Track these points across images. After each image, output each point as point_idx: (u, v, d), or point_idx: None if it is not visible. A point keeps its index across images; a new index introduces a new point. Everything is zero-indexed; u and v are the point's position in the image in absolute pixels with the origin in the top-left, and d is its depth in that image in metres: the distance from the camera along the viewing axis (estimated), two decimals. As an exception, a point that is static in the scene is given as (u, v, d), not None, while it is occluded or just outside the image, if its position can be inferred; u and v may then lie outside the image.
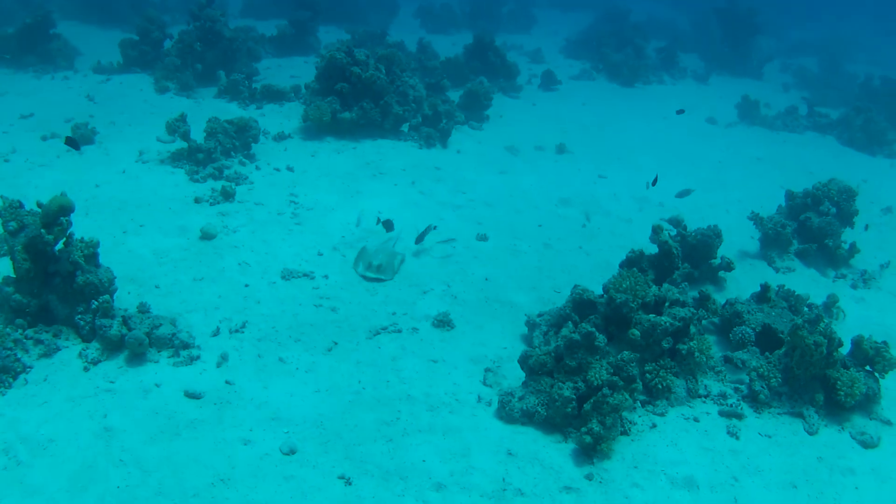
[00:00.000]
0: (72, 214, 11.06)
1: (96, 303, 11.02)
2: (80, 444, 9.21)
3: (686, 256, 14.55)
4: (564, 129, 24.01)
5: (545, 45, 37.01)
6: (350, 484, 8.94)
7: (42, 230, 10.78)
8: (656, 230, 13.52)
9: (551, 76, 29.73)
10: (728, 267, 14.61)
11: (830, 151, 26.36)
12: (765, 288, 13.17)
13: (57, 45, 25.50)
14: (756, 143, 25.85)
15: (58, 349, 10.88)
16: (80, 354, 10.77)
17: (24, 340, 10.76)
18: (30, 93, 22.42)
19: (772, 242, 16.53)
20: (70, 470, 8.81)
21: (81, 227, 11.73)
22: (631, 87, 31.87)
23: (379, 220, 15.06)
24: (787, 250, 16.51)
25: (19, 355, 10.49)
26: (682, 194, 17.34)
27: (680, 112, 22.97)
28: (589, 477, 9.39)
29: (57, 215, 10.87)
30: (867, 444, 10.59)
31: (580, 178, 20.06)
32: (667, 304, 11.41)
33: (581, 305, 11.61)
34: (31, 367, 10.47)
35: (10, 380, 10.16)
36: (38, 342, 10.83)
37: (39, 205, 10.92)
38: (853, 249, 16.43)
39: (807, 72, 37.73)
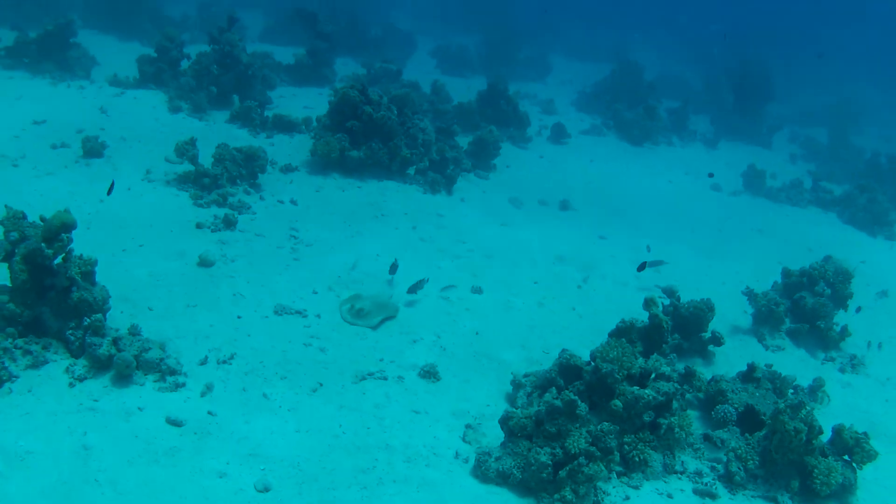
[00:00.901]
0: (73, 231, 11.18)
1: (88, 320, 11.14)
2: (58, 459, 9.28)
3: (677, 327, 14.63)
4: (570, 185, 24.14)
5: (558, 96, 37.23)
6: (321, 528, 9.01)
7: (42, 244, 10.91)
8: (648, 302, 13.59)
9: (561, 129, 29.87)
10: (718, 342, 14.70)
11: (831, 228, 26.42)
12: (751, 368, 13.24)
13: (76, 53, 25.71)
14: (758, 215, 25.94)
15: (46, 362, 10.95)
16: (67, 370, 10.85)
17: (13, 350, 10.86)
18: (45, 99, 22.57)
19: (764, 319, 16.58)
20: (45, 484, 8.88)
21: (82, 240, 11.78)
22: (640, 147, 31.97)
23: (394, 265, 15.21)
24: (778, 328, 16.55)
25: (6, 364, 10.57)
26: (654, 264, 17.38)
27: (710, 175, 23.16)
28: (557, 544, 9.43)
29: (58, 231, 11.00)
30: (839, 534, 10.63)
31: (580, 236, 20.16)
32: (652, 376, 11.49)
33: (567, 370, 11.68)
34: (17, 377, 10.54)
35: (-4, 388, 10.24)
36: (27, 353, 10.92)
37: (42, 219, 11.06)
38: (844, 332, 16.46)
39: (815, 143, 37.84)
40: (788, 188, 28.67)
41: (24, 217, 11.25)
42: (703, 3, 73.94)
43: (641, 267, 15.57)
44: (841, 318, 16.88)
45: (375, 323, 13.71)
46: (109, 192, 13.33)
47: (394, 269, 15.07)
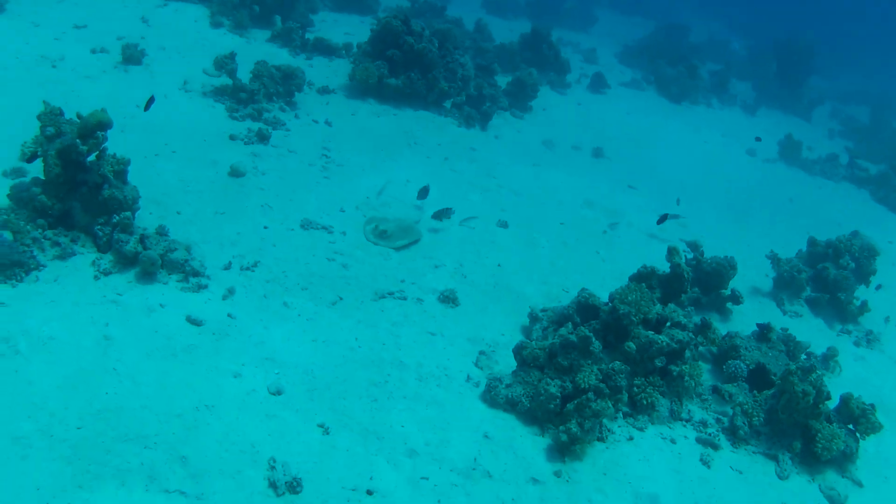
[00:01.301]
0: (108, 131, 11.30)
1: (117, 217, 11.30)
2: (79, 346, 9.48)
3: (698, 281, 14.66)
4: (604, 134, 24.08)
5: (601, 47, 36.86)
6: (328, 433, 9.16)
7: (78, 140, 11.03)
8: (671, 251, 13.61)
9: (601, 79, 29.71)
10: (736, 300, 14.72)
11: (863, 206, 26.19)
12: (766, 328, 13.27)
13: (120, -40, 25.63)
14: (791, 184, 25.75)
15: (73, 254, 11.12)
16: (93, 263, 11.02)
17: (43, 240, 11.01)
18: (86, 4, 22.45)
19: (785, 285, 16.56)
20: (65, 369, 9.08)
21: (116, 143, 11.86)
22: (678, 105, 31.75)
23: (424, 190, 15.23)
24: (798, 295, 16.52)
25: (35, 253, 10.75)
26: (673, 217, 17.39)
27: (758, 140, 23.04)
28: (557, 474, 9.54)
29: (94, 129, 11.12)
30: (834, 500, 10.61)
31: (611, 184, 20.14)
32: (668, 324, 11.56)
33: (585, 309, 11.75)
34: (44, 266, 10.73)
35: (23, 274, 10.42)
36: (56, 244, 11.07)
37: (79, 116, 11.17)
38: (864, 307, 16.40)
39: (855, 121, 37.42)
40: (824, 161, 28.40)
41: (62, 113, 11.37)
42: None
43: (662, 219, 15.55)
44: (861, 293, 16.81)
45: (398, 245, 13.81)
46: (147, 108, 13.34)
47: (423, 193, 15.08)
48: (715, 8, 58.38)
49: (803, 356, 13.52)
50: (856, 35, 58.86)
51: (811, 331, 15.68)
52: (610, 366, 10.52)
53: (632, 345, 10.95)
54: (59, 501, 7.50)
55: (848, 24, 60.76)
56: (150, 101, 13.15)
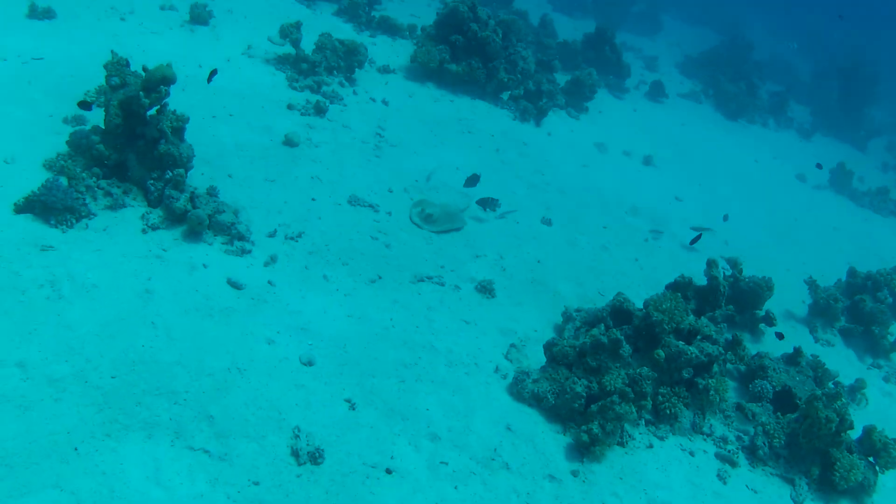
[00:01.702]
0: (171, 86, 11.47)
1: (171, 174, 11.48)
2: (120, 297, 9.68)
3: (733, 299, 14.66)
4: (657, 143, 24.04)
5: (663, 55, 36.84)
6: (354, 409, 9.31)
7: (141, 92, 11.22)
8: (710, 264, 13.66)
9: (660, 87, 29.67)
10: (770, 321, 14.70)
11: (909, 242, 26.04)
12: (797, 352, 13.29)
13: (200, -80, 25.84)
14: (837, 213, 25.63)
15: (124, 206, 11.32)
16: (142, 217, 11.22)
17: (96, 189, 11.23)
18: (160, -41, 22.87)
19: (820, 312, 16.51)
20: (105, 317, 9.28)
21: (176, 100, 12.03)
22: (734, 122, 31.66)
23: (473, 178, 15.34)
24: (832, 324, 16.46)
25: (87, 201, 10.95)
26: (701, 230, 17.49)
27: (819, 167, 23.06)
28: (575, 473, 9.64)
29: (158, 83, 11.31)
30: (846, 530, 10.73)
31: (658, 193, 20.14)
32: (699, 336, 11.61)
33: (618, 313, 11.85)
34: (95, 215, 10.95)
35: (74, 220, 10.63)
36: (108, 194, 11.29)
37: (145, 69, 11.35)
38: (896, 344, 16.41)
39: (911, 157, 37.21)
40: (874, 194, 28.18)
41: (128, 65, 11.58)
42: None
43: (696, 239, 15.46)
44: (896, 329, 16.78)
45: (440, 229, 13.93)
46: (210, 80, 13.47)
47: (471, 182, 15.18)
48: (783, 27, 57.86)
49: (830, 384, 13.50)
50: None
51: (841, 361, 15.62)
52: (637, 371, 10.61)
53: (661, 353, 11.03)
54: (86, 447, 7.70)
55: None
56: (213, 73, 13.28)
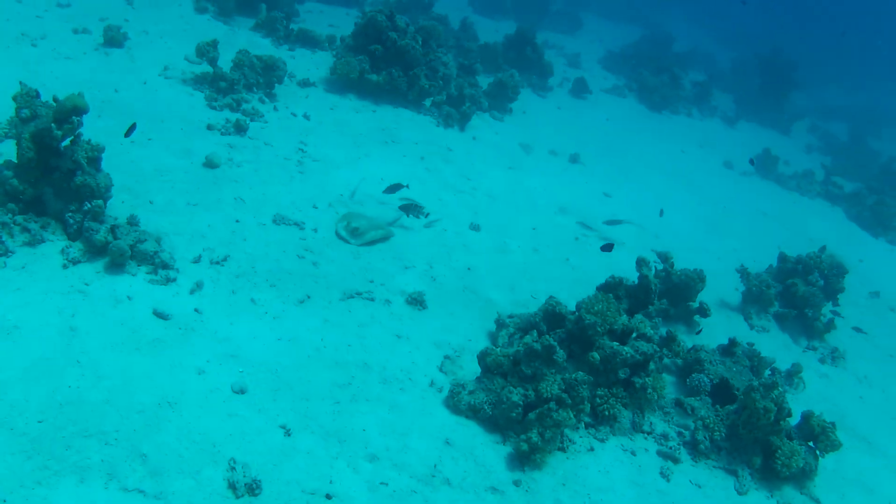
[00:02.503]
0: (84, 116, 11.23)
1: (89, 205, 11.21)
2: (44, 336, 9.41)
3: (666, 292, 14.73)
4: (583, 139, 24.17)
5: (585, 52, 36.99)
6: (289, 435, 9.15)
7: (52, 125, 10.95)
8: (641, 263, 13.70)
9: (583, 84, 29.83)
10: (704, 313, 14.78)
11: (836, 223, 26.44)
12: (731, 342, 13.37)
13: (105, -60, 25.54)
14: (765, 198, 25.97)
15: (42, 241, 11.03)
16: (62, 251, 10.93)
17: (12, 225, 10.92)
18: (71, -18, 22.53)
19: (753, 299, 16.67)
20: (29, 359, 9.01)
21: (92, 128, 11.82)
22: (658, 113, 31.92)
23: (394, 187, 15.21)
24: (766, 310, 16.65)
25: (4, 238, 10.65)
26: (614, 222, 17.67)
27: (752, 162, 23.33)
28: (517, 483, 9.58)
29: (70, 114, 11.04)
30: (792, 516, 10.79)
31: (586, 191, 20.21)
32: (633, 335, 11.62)
33: (551, 317, 11.83)
34: (13, 253, 10.64)
35: (-10, 259, 10.37)
36: (25, 230, 10.98)
37: (55, 99, 11.08)
38: (830, 325, 16.60)
39: (833, 138, 37.77)
40: (800, 177, 28.65)
41: (38, 96, 11.31)
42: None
43: (607, 247, 15.29)
44: (828, 310, 17.02)
45: (367, 240, 13.82)
46: (128, 135, 13.04)
47: (392, 189, 15.06)
48: (702, 19, 58.67)
49: (767, 372, 13.67)
50: (839, 51, 59.30)
51: (777, 346, 15.85)
52: (573, 376, 10.56)
53: (596, 355, 11.01)
54: (16, 497, 7.45)
55: (832, 39, 61.16)
56: (132, 128, 12.88)
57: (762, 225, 23.08)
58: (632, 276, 13.77)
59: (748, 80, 39.81)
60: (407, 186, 15.19)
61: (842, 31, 48.96)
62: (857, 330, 17.49)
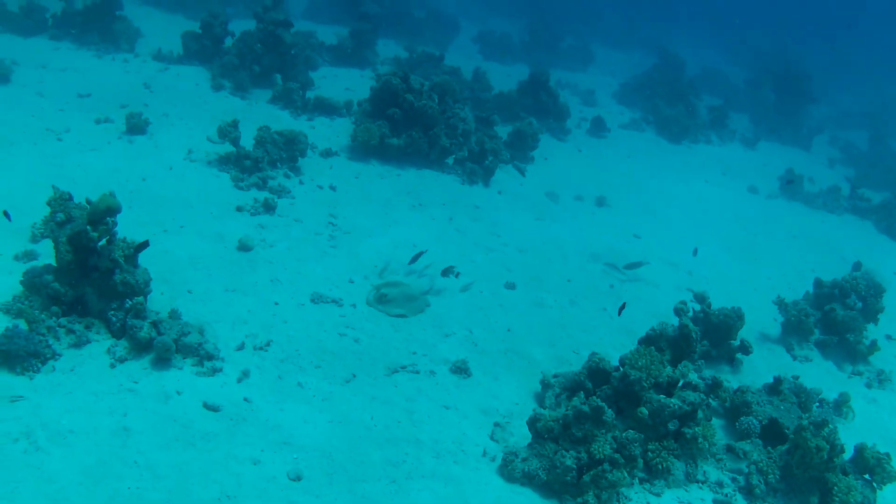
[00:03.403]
0: (117, 215, 11.43)
1: (130, 302, 11.40)
2: (98, 439, 9.55)
3: (707, 333, 14.71)
4: (606, 180, 24.21)
5: (599, 87, 37.17)
6: (349, 520, 9.24)
7: (88, 227, 11.16)
8: (678, 312, 13.69)
9: (601, 123, 29.90)
10: (746, 350, 14.78)
11: (867, 237, 26.30)
12: (777, 381, 13.32)
13: (121, 26, 26.02)
14: (794, 220, 25.82)
15: (88, 341, 11.22)
16: (108, 350, 11.12)
17: (57, 328, 11.12)
18: (89, 71, 22.92)
19: (793, 329, 16.61)
20: (85, 463, 9.14)
21: (123, 219, 11.90)
22: (678, 144, 31.90)
23: (417, 256, 15.28)
24: (807, 339, 16.57)
25: (50, 342, 10.85)
26: (634, 266, 17.72)
27: (789, 182, 23.27)
28: (578, 546, 9.63)
29: (104, 215, 11.25)
30: (853, 551, 10.72)
31: (615, 233, 20.23)
32: (679, 384, 11.64)
33: (596, 373, 11.86)
34: (60, 356, 10.83)
35: (39, 364, 10.54)
36: (70, 332, 11.18)
37: (88, 201, 11.30)
38: (873, 347, 16.48)
39: (854, 148, 37.59)
40: (825, 194, 28.47)
41: (71, 198, 11.56)
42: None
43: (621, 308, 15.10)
44: (871, 331, 16.86)
45: (396, 313, 13.89)
46: (139, 251, 12.81)
47: (415, 259, 15.11)
48: (710, 37, 58.71)
49: (815, 405, 13.60)
50: (849, 53, 59.19)
51: (822, 374, 15.78)
52: (624, 435, 10.60)
53: (644, 410, 11.03)
54: None
55: (843, 43, 61.10)
56: (144, 245, 12.71)
57: (794, 248, 22.97)
58: (669, 316, 13.77)
59: (763, 97, 39.76)
60: (426, 251, 15.23)
61: (847, 24, 48.67)
62: None
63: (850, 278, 17.20)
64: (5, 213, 12.54)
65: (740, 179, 28.39)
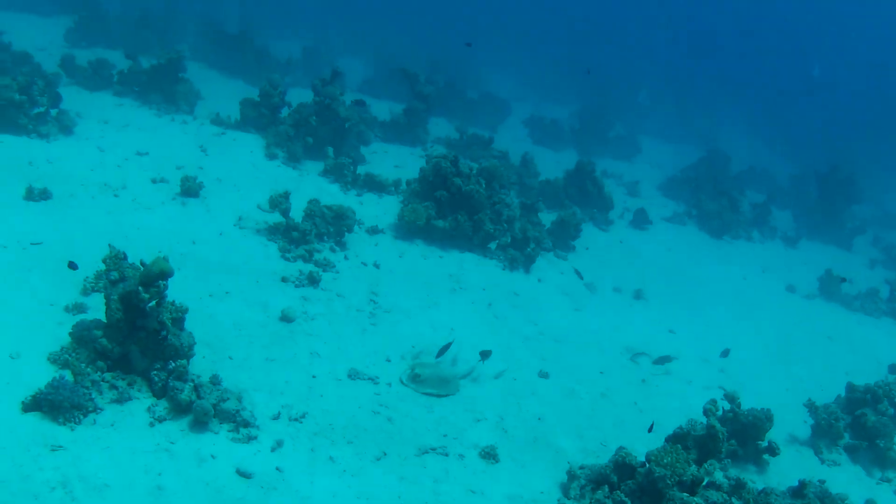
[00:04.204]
0: (169, 279, 11.84)
1: (173, 364, 11.77)
2: (133, 496, 9.84)
3: (735, 433, 14.81)
4: (646, 273, 24.41)
5: (644, 178, 37.41)
6: None
7: (140, 287, 11.57)
8: (707, 412, 13.81)
9: (644, 215, 30.14)
10: (773, 452, 14.81)
11: (904, 341, 26.14)
12: (802, 485, 13.37)
13: (182, 88, 26.90)
14: (830, 321, 25.74)
15: (129, 398, 11.58)
16: (148, 409, 11.45)
17: (101, 383, 11.48)
18: (149, 130, 23.68)
19: (823, 433, 16.61)
20: (119, 519, 9.38)
21: (172, 280, 12.29)
22: (719, 239, 32.06)
23: (444, 348, 15.30)
24: (836, 443, 16.55)
25: (94, 396, 11.21)
26: (663, 360, 17.90)
27: (843, 280, 23.35)
28: None
29: (157, 278, 11.67)
30: None
31: (650, 329, 20.34)
32: (704, 482, 11.78)
33: (622, 468, 12.02)
34: (101, 410, 11.19)
35: (81, 416, 10.87)
36: (113, 387, 11.55)
37: (143, 263, 11.73)
38: (902, 453, 16.51)
39: (896, 250, 37.55)
40: (864, 297, 28.33)
41: (125, 258, 11.98)
42: (801, 97, 73.96)
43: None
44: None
45: (430, 392, 14.12)
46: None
47: (443, 351, 15.11)
48: (759, 131, 58.97)
49: (841, 509, 13.64)
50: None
51: (850, 479, 15.71)
52: (646, 531, 10.75)
53: (667, 508, 11.18)
54: None
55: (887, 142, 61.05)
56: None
57: (828, 350, 22.91)
58: (699, 413, 13.83)
59: (806, 197, 39.86)
60: (453, 342, 15.34)
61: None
62: None
63: (882, 384, 17.21)
64: (72, 265, 12.98)
65: (779, 278, 28.42)
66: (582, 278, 21.39)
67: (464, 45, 36.47)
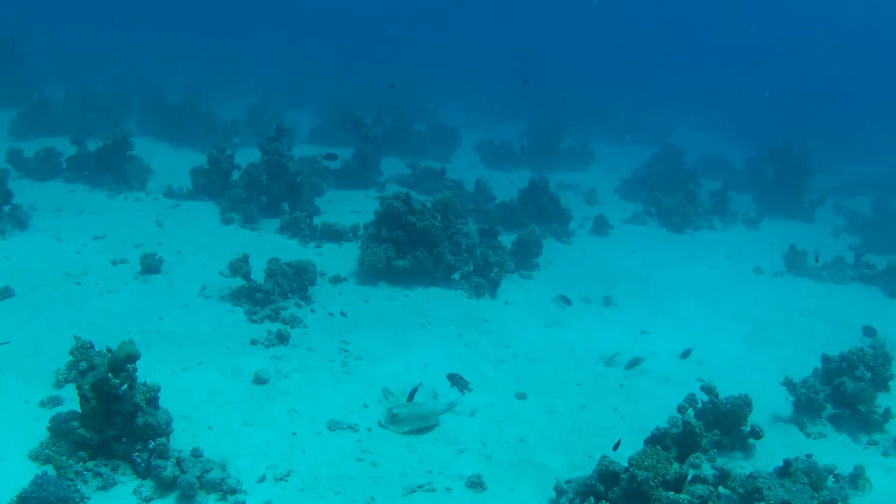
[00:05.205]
0: (137, 361, 11.96)
1: (153, 443, 11.86)
2: (129, 583, 9.92)
3: (717, 423, 14.99)
4: (612, 279, 24.55)
5: (601, 184, 37.78)
6: None
7: (110, 374, 11.71)
8: (681, 409, 14.03)
9: (603, 221, 30.34)
10: (757, 435, 14.98)
11: (875, 304, 26.30)
12: (787, 464, 13.49)
13: (132, 166, 27.15)
14: (801, 296, 25.93)
15: (115, 483, 11.67)
16: (135, 491, 11.53)
17: (85, 472, 11.59)
18: (104, 212, 23.92)
19: (804, 408, 16.77)
20: None
21: (143, 359, 12.26)
22: (681, 234, 32.31)
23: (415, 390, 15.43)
24: (819, 415, 16.71)
25: (79, 486, 11.30)
26: (632, 364, 18.11)
27: (816, 260, 23.64)
28: None
29: (124, 362, 11.80)
30: None
31: (623, 333, 20.43)
32: (689, 477, 11.94)
33: (607, 476, 12.16)
34: (88, 499, 11.25)
35: (69, 509, 10.94)
36: (97, 475, 11.65)
37: (109, 350, 11.87)
38: (887, 415, 16.60)
39: (858, 216, 37.56)
40: (830, 266, 28.42)
41: (92, 346, 12.10)
42: (749, 76, 74.78)
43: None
44: (883, 399, 16.94)
45: (408, 430, 14.18)
46: None
47: (412, 395, 15.13)
48: (713, 124, 59.44)
49: (831, 479, 13.72)
50: (849, 121, 59.74)
51: (838, 449, 15.88)
52: (637, 536, 10.89)
53: (655, 509, 11.33)
54: None
55: (840, 113, 61.71)
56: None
57: (802, 325, 23.03)
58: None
59: (763, 176, 40.28)
60: (421, 384, 15.40)
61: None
62: None
63: (856, 350, 17.39)
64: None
65: (745, 261, 28.64)
66: (570, 304, 21.51)
67: (400, 83, 36.91)
